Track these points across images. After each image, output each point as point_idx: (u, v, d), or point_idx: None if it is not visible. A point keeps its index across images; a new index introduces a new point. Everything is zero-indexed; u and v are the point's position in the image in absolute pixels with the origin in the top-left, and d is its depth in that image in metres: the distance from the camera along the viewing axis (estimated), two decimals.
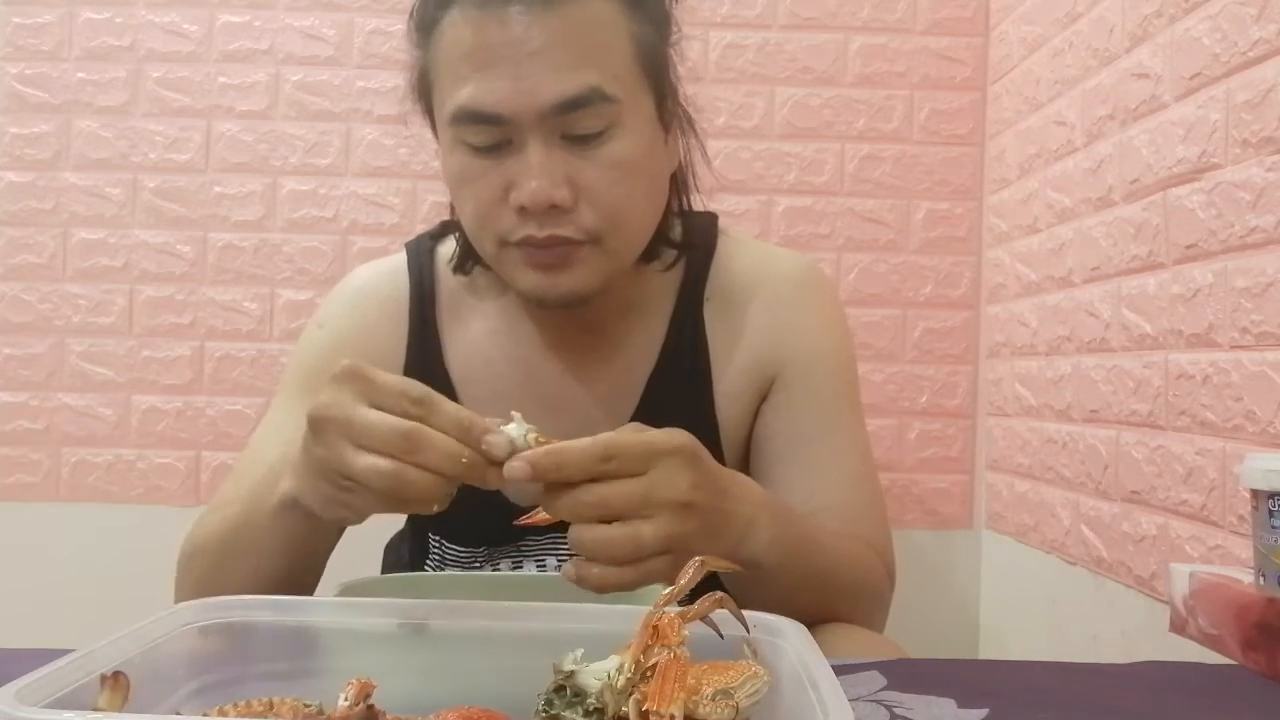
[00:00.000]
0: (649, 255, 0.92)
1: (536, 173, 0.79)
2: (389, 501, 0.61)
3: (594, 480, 0.60)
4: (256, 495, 0.76)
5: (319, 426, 0.62)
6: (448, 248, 0.98)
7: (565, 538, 0.96)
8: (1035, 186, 1.48)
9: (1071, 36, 1.37)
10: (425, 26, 0.84)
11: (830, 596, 0.81)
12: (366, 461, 0.59)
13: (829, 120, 1.73)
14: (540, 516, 0.63)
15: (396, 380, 0.61)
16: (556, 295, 0.84)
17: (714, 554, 0.67)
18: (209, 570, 0.80)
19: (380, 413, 0.60)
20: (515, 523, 0.65)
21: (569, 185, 0.80)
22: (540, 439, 0.61)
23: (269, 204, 1.74)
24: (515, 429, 0.60)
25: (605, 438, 0.61)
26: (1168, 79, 1.11)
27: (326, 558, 0.80)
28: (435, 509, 0.61)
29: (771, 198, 1.73)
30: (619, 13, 0.82)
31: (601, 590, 0.62)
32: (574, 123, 0.80)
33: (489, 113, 0.79)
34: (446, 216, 1.02)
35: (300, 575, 0.78)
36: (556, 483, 0.60)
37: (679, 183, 0.94)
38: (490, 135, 0.81)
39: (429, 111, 0.88)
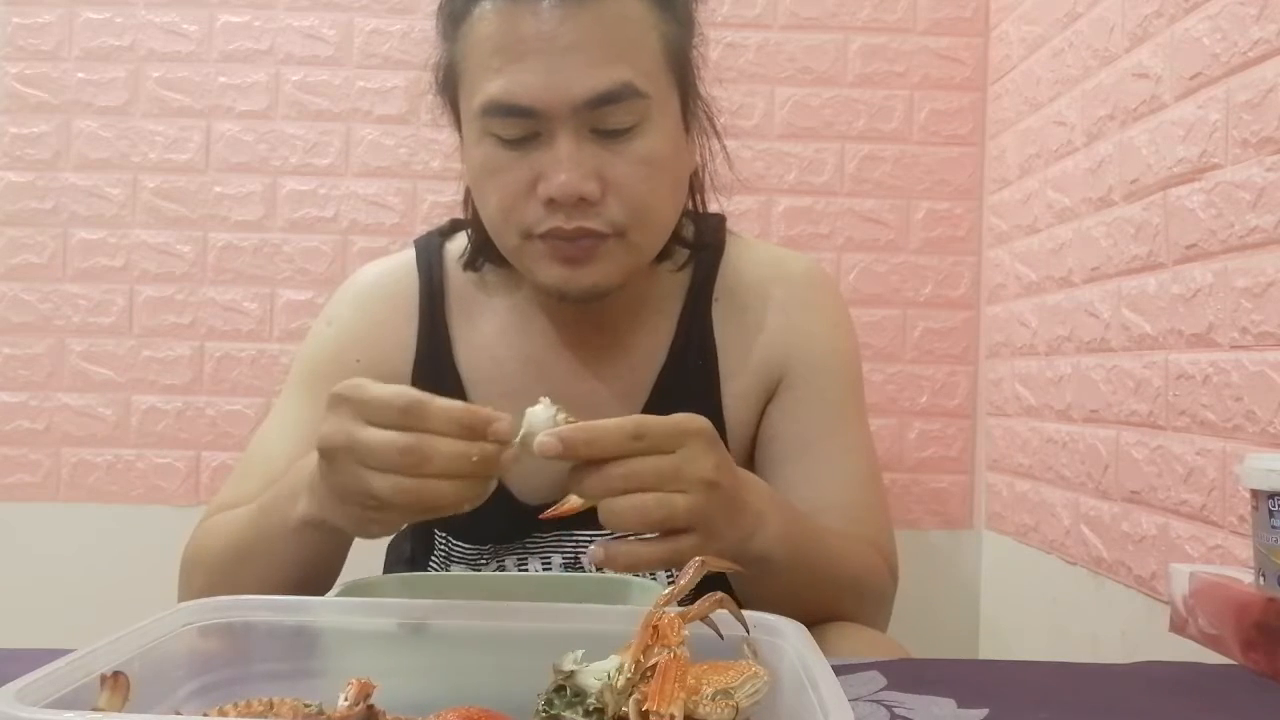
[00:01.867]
0: (663, 254, 0.92)
1: (567, 165, 0.79)
2: (421, 513, 0.62)
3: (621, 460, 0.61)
4: (269, 510, 0.76)
5: (328, 455, 0.63)
6: (457, 245, 0.98)
7: (570, 536, 0.96)
8: (1035, 186, 1.48)
9: (1071, 36, 1.37)
10: (455, 18, 0.84)
11: (835, 595, 0.82)
12: (387, 482, 0.60)
13: (829, 120, 1.73)
14: (567, 507, 0.63)
15: (385, 394, 0.61)
16: (579, 289, 0.85)
17: (730, 541, 0.68)
18: (218, 579, 0.79)
19: (381, 431, 0.60)
20: (542, 515, 0.65)
21: (597, 179, 0.81)
22: (570, 419, 0.61)
23: (269, 204, 1.73)
24: (543, 410, 0.61)
25: (635, 417, 0.62)
26: (1168, 79, 1.11)
27: (342, 564, 0.81)
28: (468, 508, 0.61)
29: (771, 198, 1.73)
30: (648, 11, 0.83)
31: (631, 568, 0.63)
32: (605, 117, 0.80)
33: (521, 105, 0.80)
34: (448, 216, 1.03)
35: (317, 582, 0.78)
36: (584, 463, 0.61)
37: (695, 183, 0.94)
38: (520, 128, 0.81)
39: (453, 105, 0.88)
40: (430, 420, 0.59)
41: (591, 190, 0.80)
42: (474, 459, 0.59)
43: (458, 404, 0.60)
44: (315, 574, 0.78)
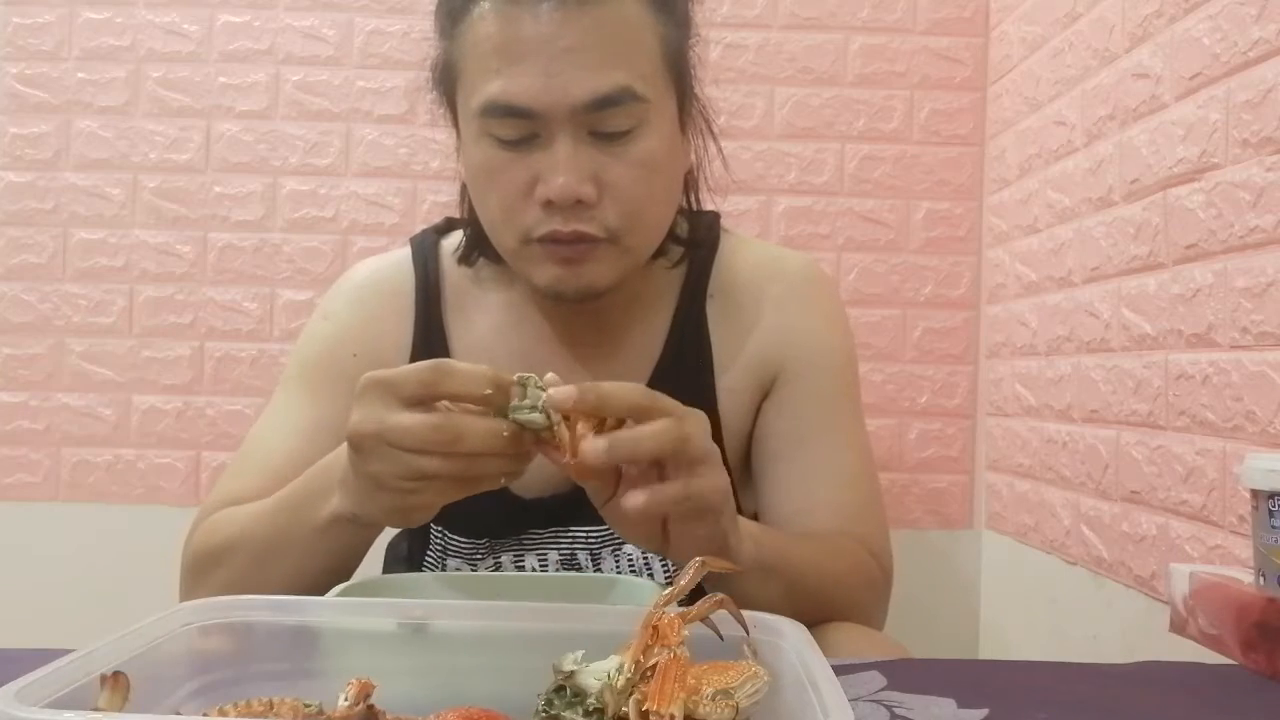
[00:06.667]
0: (657, 251, 0.92)
1: (564, 168, 0.80)
2: (461, 489, 0.63)
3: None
4: (293, 508, 0.76)
5: (359, 444, 0.64)
6: (452, 242, 0.98)
7: (567, 532, 0.96)
8: (1035, 186, 1.48)
9: (1071, 36, 1.37)
10: (454, 16, 0.84)
11: (821, 600, 0.81)
12: (429, 461, 0.61)
13: (829, 120, 1.73)
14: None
15: (409, 368, 0.63)
16: (573, 289, 0.85)
17: (719, 524, 0.68)
18: (240, 576, 0.79)
19: (410, 412, 0.61)
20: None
21: (594, 182, 0.81)
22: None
23: (269, 204, 1.73)
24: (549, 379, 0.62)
25: (645, 389, 0.63)
26: (1168, 79, 1.11)
27: (363, 557, 0.81)
28: (505, 482, 0.63)
29: (771, 198, 1.73)
30: (648, 13, 0.83)
31: (648, 508, 0.62)
32: (603, 120, 0.80)
33: (520, 106, 0.80)
34: (447, 216, 1.03)
35: (342, 571, 0.79)
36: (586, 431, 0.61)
37: (690, 182, 0.95)
38: (518, 129, 0.81)
39: (450, 102, 0.88)
40: (452, 379, 0.61)
41: (588, 193, 0.80)
42: (504, 434, 0.61)
43: (478, 366, 0.62)
44: (342, 569, 0.79)
